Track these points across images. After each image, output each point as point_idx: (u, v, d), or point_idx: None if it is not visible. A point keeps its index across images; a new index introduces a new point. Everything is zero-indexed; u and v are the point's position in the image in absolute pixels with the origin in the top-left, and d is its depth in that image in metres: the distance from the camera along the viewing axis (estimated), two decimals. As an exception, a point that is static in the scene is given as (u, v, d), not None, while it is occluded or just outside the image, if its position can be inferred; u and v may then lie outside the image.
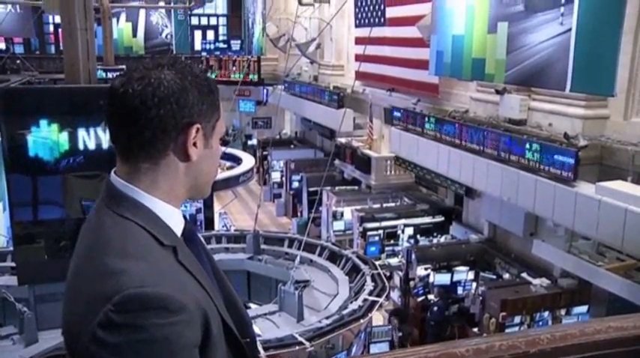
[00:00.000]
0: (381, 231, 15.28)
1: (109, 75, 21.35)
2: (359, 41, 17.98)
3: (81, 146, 8.41)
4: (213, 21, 30.14)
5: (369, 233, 15.18)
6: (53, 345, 7.54)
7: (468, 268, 12.90)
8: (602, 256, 9.99)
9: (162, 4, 31.07)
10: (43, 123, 8.23)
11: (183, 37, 29.62)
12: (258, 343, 1.75)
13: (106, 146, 8.32)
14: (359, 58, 17.79)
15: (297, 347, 7.99)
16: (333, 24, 21.45)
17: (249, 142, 30.61)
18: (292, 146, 25.95)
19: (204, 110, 1.47)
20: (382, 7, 17.20)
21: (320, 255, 12.02)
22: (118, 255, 1.32)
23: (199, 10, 28.93)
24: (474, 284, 12.48)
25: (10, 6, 25.90)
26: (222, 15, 31.09)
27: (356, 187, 18.98)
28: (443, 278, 12.78)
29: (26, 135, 8.19)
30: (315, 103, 21.57)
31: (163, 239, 1.40)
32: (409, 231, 15.35)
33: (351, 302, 9.57)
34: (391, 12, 16.65)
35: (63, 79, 9.05)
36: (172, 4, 30.58)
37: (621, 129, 9.86)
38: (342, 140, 19.58)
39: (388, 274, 12.56)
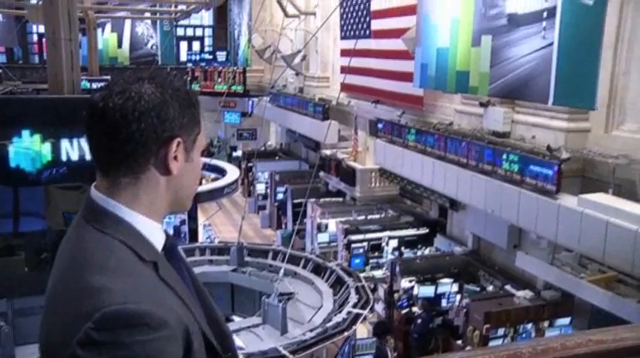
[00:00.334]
0: (365, 243, 15.24)
1: (94, 85, 21.24)
2: (344, 53, 18.07)
3: (64, 157, 8.34)
4: (199, 32, 30.18)
5: (354, 245, 15.13)
6: (31, 360, 7.42)
7: (452, 280, 12.90)
8: (584, 268, 10.06)
9: (147, 15, 31.06)
10: (25, 133, 8.16)
11: (169, 48, 29.61)
12: (240, 357, 1.73)
13: (89, 157, 8.22)
14: (344, 70, 17.89)
15: (281, 361, 7.93)
16: (319, 36, 21.55)
17: (234, 154, 30.52)
18: (277, 158, 25.90)
19: (185, 123, 1.47)
20: (368, 19, 17.32)
21: (304, 267, 11.99)
22: (98, 272, 1.31)
23: (185, 21, 28.99)
24: (458, 297, 12.49)
25: (-8, 15, 25.74)
26: (208, 26, 31.15)
27: (340, 199, 18.96)
28: (427, 291, 12.77)
29: (7, 146, 8.11)
30: (301, 115, 21.57)
31: (144, 254, 1.39)
32: (393, 243, 15.32)
33: (335, 315, 9.54)
34: (376, 24, 16.76)
35: (46, 89, 8.99)
36: (158, 15, 30.61)
37: (602, 142, 9.98)
38: (327, 152, 19.59)
39: (372, 286, 12.54)
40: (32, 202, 8.52)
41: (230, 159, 29.24)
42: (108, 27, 31.12)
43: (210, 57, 29.34)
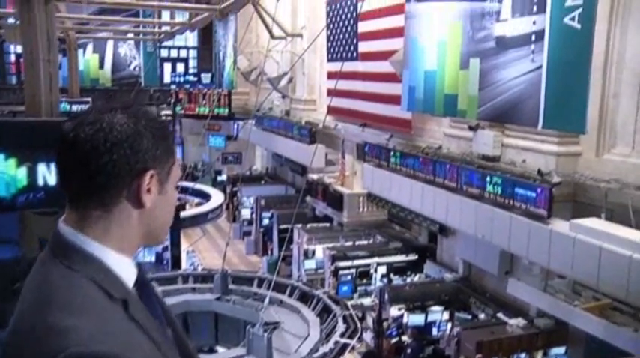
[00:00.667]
0: (353, 270, 15.18)
1: (74, 107, 21.15)
2: (331, 76, 18.20)
3: (41, 181, 8.23)
4: (183, 53, 30.29)
5: (341, 272, 15.06)
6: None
7: (442, 308, 12.84)
8: (578, 295, 10.05)
9: (130, 35, 31.16)
10: (0, 157, 8.05)
11: (152, 70, 29.66)
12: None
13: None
14: (331, 92, 18.00)
15: (266, 394, 7.78)
16: (305, 58, 21.68)
17: (219, 178, 30.43)
18: (263, 182, 25.86)
19: (159, 155, 1.46)
20: (355, 41, 17.49)
21: (290, 295, 11.87)
22: (62, 311, 1.28)
23: (169, 43, 29.10)
24: (449, 325, 12.41)
25: (-32, 35, 25.73)
26: (193, 47, 31.28)
27: (328, 225, 18.91)
28: (417, 319, 12.68)
29: (-19, 170, 7.99)
30: (287, 138, 21.61)
31: (114, 292, 1.37)
32: (382, 269, 15.27)
33: (322, 345, 9.42)
34: (364, 47, 16.92)
35: (23, 111, 8.92)
36: (141, 36, 30.70)
37: (593, 165, 10.06)
38: (314, 176, 19.54)
39: (361, 315, 12.45)
40: (6, 228, 8.38)
41: (214, 183, 29.12)
42: (89, 48, 31.15)
43: (195, 79, 29.41)
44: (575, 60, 8.75)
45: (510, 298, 11.88)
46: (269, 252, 20.99)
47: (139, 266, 1.53)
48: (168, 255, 16.80)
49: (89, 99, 26.47)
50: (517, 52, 9.87)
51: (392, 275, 15.23)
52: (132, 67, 30.98)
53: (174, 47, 30.15)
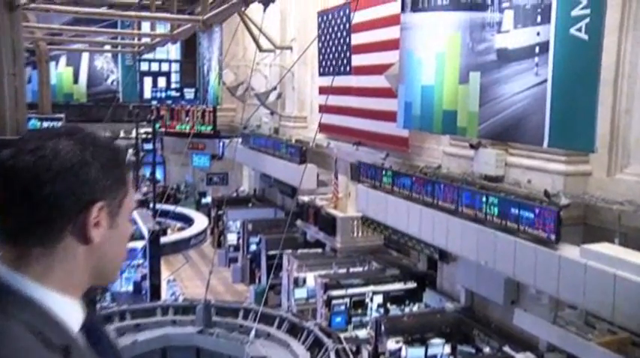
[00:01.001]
0: (347, 300, 15.10)
1: (45, 124, 21.05)
2: (323, 91, 18.21)
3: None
4: (164, 67, 30.32)
5: (334, 301, 14.98)
6: None
7: (443, 341, 12.71)
8: (591, 328, 9.88)
9: (108, 48, 31.20)
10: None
11: (131, 84, 29.69)
12: None
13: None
14: (323, 108, 17.99)
15: None
16: (296, 72, 21.77)
17: (203, 200, 30.44)
18: (250, 205, 25.86)
19: (109, 185, 1.44)
20: (348, 54, 17.54)
21: (279, 327, 11.84)
22: None
23: (149, 55, 29.14)
24: (451, 359, 12.26)
25: None
26: (175, 61, 31.36)
27: (319, 250, 18.85)
28: (416, 353, 12.55)
29: None
30: (276, 158, 21.62)
31: (54, 338, 1.31)
32: (378, 298, 15.19)
33: (313, 383, 9.26)
34: (357, 60, 16.95)
35: (-14, 129, 8.77)
36: (119, 48, 30.73)
37: (605, 186, 10.00)
38: (305, 198, 19.51)
39: (355, 348, 12.35)
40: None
41: (198, 206, 29.08)
42: (63, 60, 31.15)
43: (177, 94, 29.45)
44: (583, 73, 8.72)
45: (517, 330, 11.73)
46: (257, 280, 20.92)
47: (91, 306, 1.49)
48: (146, 284, 16.66)
49: (62, 115, 26.46)
50: (520, 65, 9.85)
51: (389, 305, 15.14)
52: (109, 82, 31.01)
53: (155, 60, 30.21)
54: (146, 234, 16.24)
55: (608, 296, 8.39)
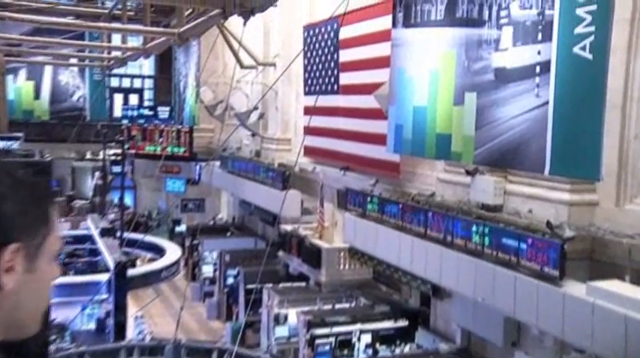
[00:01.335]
0: (332, 339, 14.90)
1: (1, 144, 20.92)
2: (308, 111, 18.22)
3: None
4: (137, 83, 30.38)
5: (318, 341, 14.78)
6: None
7: (437, 386, 12.56)
8: (601, 374, 9.79)
9: (74, 61, 31.11)
10: None
11: (100, 101, 29.69)
12: None
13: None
14: (308, 130, 17.98)
15: None
16: (279, 91, 21.82)
17: (177, 229, 30.27)
18: (228, 234, 25.70)
19: (28, 223, 1.40)
20: (335, 72, 17.61)
21: (256, 370, 11.65)
22: None
23: (120, 70, 29.18)
24: (446, 407, 12.11)
25: None
26: (149, 76, 31.44)
27: (303, 284, 18.70)
28: (408, 399, 12.36)
29: None
30: (257, 183, 21.57)
31: None
32: (366, 338, 15.03)
33: None
34: (345, 78, 17.02)
35: None
36: (87, 62, 30.66)
37: (614, 217, 9.98)
38: (288, 227, 19.40)
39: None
40: None
41: (172, 235, 28.90)
42: (22, 73, 31.05)
43: (151, 113, 29.44)
44: (587, 95, 8.75)
45: (518, 374, 11.62)
46: (234, 317, 20.74)
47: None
48: (111, 321, 16.40)
49: (20, 134, 26.25)
50: (519, 85, 9.88)
51: (378, 346, 15.01)
52: (75, 98, 30.93)
53: (126, 75, 30.27)
54: (111, 265, 16.01)
55: (618, 340, 8.30)
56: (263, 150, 23.28)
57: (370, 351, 14.80)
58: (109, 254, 16.80)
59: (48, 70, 30.76)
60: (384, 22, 14.32)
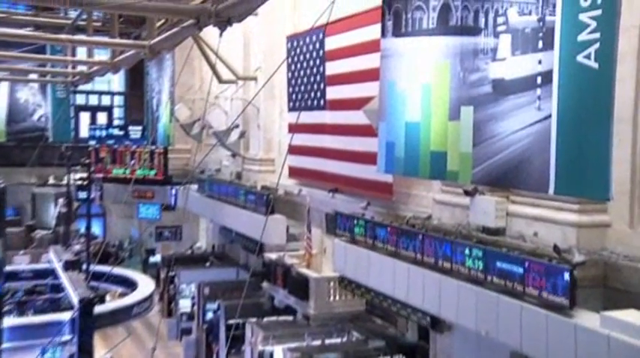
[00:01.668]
0: (322, 379, 14.79)
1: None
2: (293, 129, 18.23)
3: None
4: (106, 100, 30.33)
5: (308, 381, 14.68)
6: None
7: None
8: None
9: (34, 76, 30.99)
10: None
11: (64, 121, 29.58)
12: None
13: None
14: (293, 149, 17.97)
15: None
16: (262, 107, 21.87)
17: (151, 259, 30.13)
18: (208, 264, 25.62)
19: None
20: (322, 86, 17.65)
21: (238, 416, 11.49)
22: None
23: (87, 86, 29.15)
24: None
25: None
26: (118, 93, 31.44)
27: (290, 318, 18.58)
28: None
29: None
30: (238, 208, 21.55)
31: None
32: (360, 377, 14.89)
33: None
34: (333, 92, 17.04)
35: None
36: (49, 78, 30.55)
37: (628, 240, 9.96)
38: (272, 256, 19.34)
39: None
40: None
41: (145, 266, 28.77)
42: (-26, 90, 30.96)
43: (121, 133, 29.40)
44: (593, 107, 8.74)
45: (526, 414, 11.54)
46: (214, 356, 20.62)
47: None
48: (76, 365, 16.24)
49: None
50: (519, 98, 9.87)
51: (373, 385, 14.84)
52: (35, 117, 30.82)
53: (93, 92, 30.28)
54: (75, 302, 15.78)
55: (637, 377, 8.25)
56: (244, 171, 23.27)
57: (364, 391, 14.71)
58: (73, 289, 16.58)
59: (4, 87, 30.67)
60: (372, 32, 14.40)
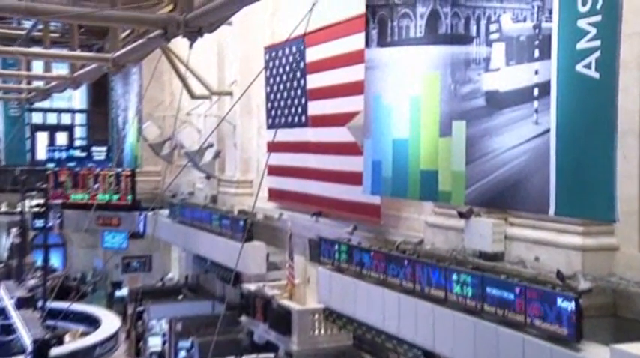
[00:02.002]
0: None
1: None
2: (272, 147, 18.22)
3: None
4: (66, 119, 30.21)
5: None
6: None
7: None
8: None
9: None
10: None
11: (18, 141, 29.43)
12: None
13: None
14: (273, 170, 17.97)
15: None
16: (238, 124, 21.86)
17: (117, 293, 29.91)
18: (181, 297, 25.65)
19: None
20: (303, 101, 17.67)
21: None
22: None
23: (45, 104, 29.05)
24: None
25: None
26: (80, 111, 31.34)
27: (271, 355, 18.51)
28: None
29: None
30: (213, 234, 21.54)
31: None
32: (349, 420, 14.87)
33: None
34: (315, 108, 17.07)
35: None
36: (1, 94, 30.43)
37: (638, 264, 9.94)
38: (251, 287, 19.26)
39: None
40: None
41: (111, 301, 28.53)
42: None
43: (84, 154, 29.30)
44: (595, 120, 8.79)
45: None
46: (189, 401, 20.44)
47: None
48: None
49: None
50: (515, 111, 9.94)
51: None
52: (-15, 138, 30.57)
53: (52, 110, 30.18)
54: (29, 344, 15.51)
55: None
56: (220, 195, 23.21)
57: None
58: (26, 330, 16.32)
59: (-51, 104, 30.58)
60: (356, 41, 14.45)
